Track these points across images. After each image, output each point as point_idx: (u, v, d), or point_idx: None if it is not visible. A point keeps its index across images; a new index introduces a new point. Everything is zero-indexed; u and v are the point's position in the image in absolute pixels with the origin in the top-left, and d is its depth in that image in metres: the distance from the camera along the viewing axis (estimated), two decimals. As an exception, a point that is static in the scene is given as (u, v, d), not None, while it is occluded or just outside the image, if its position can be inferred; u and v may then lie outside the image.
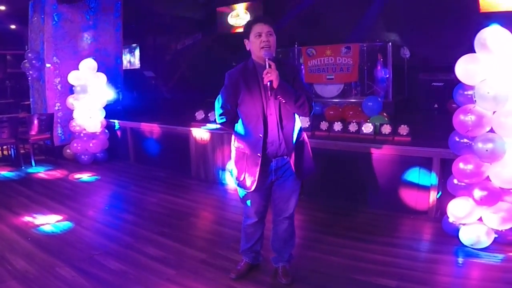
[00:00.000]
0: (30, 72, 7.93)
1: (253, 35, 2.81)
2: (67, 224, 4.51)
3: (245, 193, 3.05)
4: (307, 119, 5.58)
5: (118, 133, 7.94)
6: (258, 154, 2.87)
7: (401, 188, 4.65)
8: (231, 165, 3.15)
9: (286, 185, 3.02)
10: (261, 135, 2.84)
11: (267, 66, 2.69)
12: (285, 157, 2.93)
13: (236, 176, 3.04)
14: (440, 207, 4.35)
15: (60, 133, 8.06)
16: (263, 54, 2.76)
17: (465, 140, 3.65)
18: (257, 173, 2.90)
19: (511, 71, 3.32)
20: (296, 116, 2.95)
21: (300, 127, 3.03)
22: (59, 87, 7.95)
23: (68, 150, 7.68)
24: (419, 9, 8.92)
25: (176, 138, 6.78)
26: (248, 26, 2.86)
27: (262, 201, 3.09)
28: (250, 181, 2.94)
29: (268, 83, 2.67)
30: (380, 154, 4.78)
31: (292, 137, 2.92)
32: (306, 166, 3.06)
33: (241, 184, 3.02)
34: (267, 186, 3.03)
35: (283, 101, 2.77)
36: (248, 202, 3.10)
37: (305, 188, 5.24)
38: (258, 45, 2.79)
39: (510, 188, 3.54)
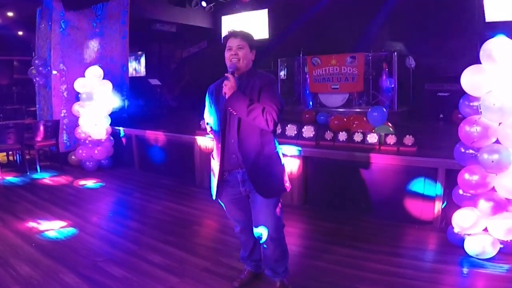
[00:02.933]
0: (37, 78, 7.98)
1: (226, 49, 2.90)
2: (71, 230, 4.52)
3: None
4: (312, 128, 5.58)
5: (123, 140, 7.96)
6: (218, 163, 2.94)
7: (406, 198, 4.64)
8: None
9: (257, 200, 2.93)
10: (219, 145, 2.90)
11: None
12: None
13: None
14: (445, 217, 4.33)
15: (66, 140, 8.10)
16: (227, 66, 2.84)
17: (471, 151, 3.64)
18: (216, 181, 2.97)
19: (517, 82, 3.31)
20: (267, 131, 2.83)
21: (272, 142, 2.92)
22: (65, 94, 8.00)
23: (73, 157, 7.71)
24: (425, 19, 8.96)
25: (181, 146, 6.80)
26: (223, 41, 2.94)
27: (238, 211, 3.09)
28: (213, 188, 3.03)
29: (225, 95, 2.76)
30: (385, 164, 4.77)
31: (252, 151, 2.84)
32: (273, 184, 2.94)
33: (211, 190, 3.08)
34: (238, 197, 3.01)
35: (234, 113, 2.80)
36: (225, 209, 3.15)
37: (309, 198, 5.27)
38: (228, 58, 2.87)
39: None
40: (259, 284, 3.28)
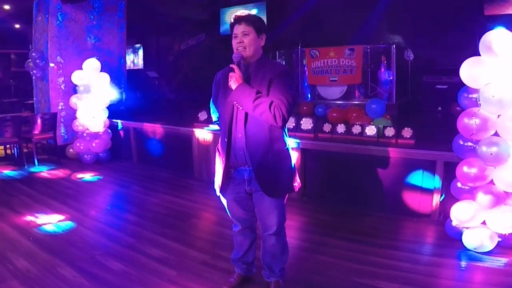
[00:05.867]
0: (34, 71, 7.94)
1: (232, 37, 2.70)
2: (69, 224, 4.51)
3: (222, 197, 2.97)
4: (310, 120, 5.56)
5: (121, 133, 7.94)
6: (223, 159, 2.77)
7: (405, 191, 4.63)
8: None
9: (264, 199, 2.78)
10: (226, 140, 2.72)
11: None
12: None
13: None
14: (443, 210, 4.33)
15: (63, 133, 8.07)
16: (232, 56, 2.65)
17: (469, 144, 3.63)
18: (221, 177, 2.81)
19: (516, 74, 3.30)
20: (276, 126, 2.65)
21: (281, 138, 2.74)
22: (62, 86, 7.96)
23: (71, 150, 7.69)
24: (423, 11, 8.89)
25: (179, 138, 6.78)
26: (230, 29, 2.74)
27: (241, 209, 2.92)
28: (217, 185, 2.88)
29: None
30: (383, 156, 4.76)
31: (260, 147, 2.65)
32: (281, 183, 2.78)
33: (214, 185, 2.95)
34: (243, 195, 2.85)
35: (240, 108, 2.63)
36: (226, 207, 3.00)
37: (307, 190, 5.26)
38: (235, 47, 2.67)
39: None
40: (250, 287, 3.18)
